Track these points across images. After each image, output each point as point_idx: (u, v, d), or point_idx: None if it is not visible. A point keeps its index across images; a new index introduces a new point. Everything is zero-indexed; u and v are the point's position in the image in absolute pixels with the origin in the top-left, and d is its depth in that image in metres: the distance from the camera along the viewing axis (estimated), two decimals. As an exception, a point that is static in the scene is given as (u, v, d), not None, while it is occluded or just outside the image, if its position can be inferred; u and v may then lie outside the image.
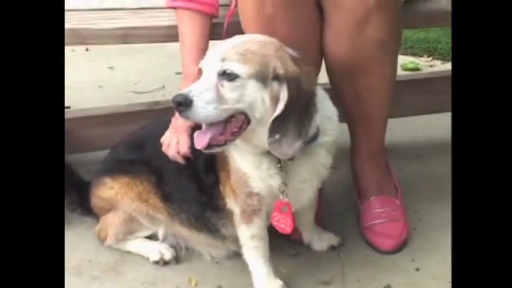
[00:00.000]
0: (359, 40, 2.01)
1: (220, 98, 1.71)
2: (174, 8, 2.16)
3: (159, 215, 2.13)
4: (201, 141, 1.77)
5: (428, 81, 2.94)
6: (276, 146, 1.75)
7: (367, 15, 1.97)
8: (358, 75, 2.09)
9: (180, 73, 2.18)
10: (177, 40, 2.18)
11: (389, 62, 2.13)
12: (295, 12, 2.00)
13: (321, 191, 2.19)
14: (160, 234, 2.18)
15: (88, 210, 2.30)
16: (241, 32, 2.00)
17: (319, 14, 2.07)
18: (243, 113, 1.75)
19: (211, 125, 1.75)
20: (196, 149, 1.98)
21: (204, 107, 1.69)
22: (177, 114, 1.90)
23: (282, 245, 2.17)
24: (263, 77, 1.73)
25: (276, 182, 1.87)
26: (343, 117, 2.16)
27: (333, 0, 2.01)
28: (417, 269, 2.10)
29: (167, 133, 2.07)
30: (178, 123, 2.03)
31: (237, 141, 1.81)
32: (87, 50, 4.00)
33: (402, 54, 3.80)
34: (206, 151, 1.79)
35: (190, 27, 2.11)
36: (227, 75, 1.72)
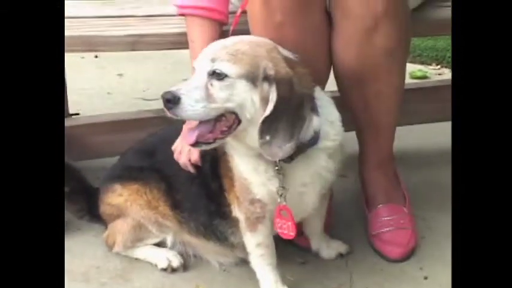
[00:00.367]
0: (367, 48, 2.01)
1: (209, 97, 1.74)
2: (184, 15, 2.17)
3: (168, 222, 2.13)
4: (189, 137, 1.79)
5: (436, 90, 2.93)
6: (266, 147, 1.76)
7: (376, 23, 1.98)
8: (366, 83, 2.09)
9: (188, 80, 2.19)
10: (186, 47, 2.19)
11: (398, 70, 2.13)
12: (304, 20, 2.01)
13: (330, 200, 2.20)
14: (168, 242, 2.18)
15: (96, 217, 2.30)
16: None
17: (327, 21, 2.07)
18: (233, 113, 1.77)
19: (200, 122, 1.78)
20: (205, 156, 2.00)
21: (193, 105, 1.73)
22: (188, 122, 1.92)
23: (289, 252, 2.17)
24: (253, 78, 1.75)
25: (274, 185, 1.87)
26: (352, 124, 2.16)
27: (341, 8, 2.01)
28: (425, 278, 2.09)
29: (179, 140, 2.07)
30: None
31: (232, 142, 1.83)
32: (96, 57, 4.00)
33: (411, 62, 3.78)
34: (193, 148, 1.83)
35: (200, 34, 2.12)
36: (217, 75, 1.75)
